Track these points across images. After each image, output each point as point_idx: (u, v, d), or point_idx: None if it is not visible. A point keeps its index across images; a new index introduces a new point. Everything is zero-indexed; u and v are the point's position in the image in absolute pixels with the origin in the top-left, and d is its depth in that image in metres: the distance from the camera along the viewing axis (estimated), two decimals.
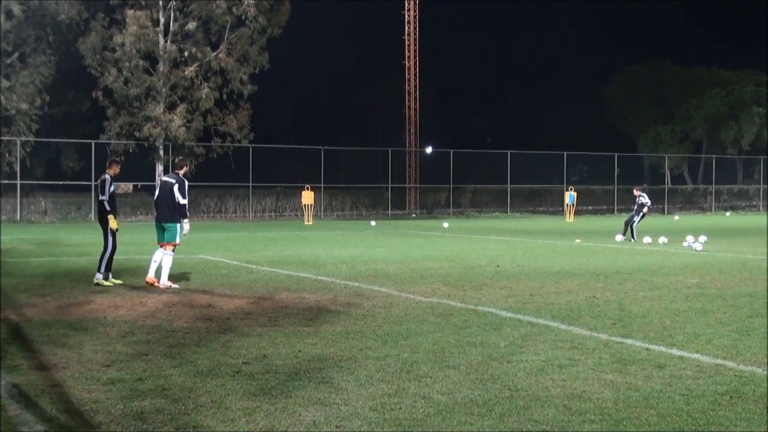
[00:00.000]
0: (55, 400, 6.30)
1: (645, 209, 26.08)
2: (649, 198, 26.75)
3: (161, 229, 13.55)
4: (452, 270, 16.13)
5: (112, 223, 13.81)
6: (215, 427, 5.67)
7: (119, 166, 14.29)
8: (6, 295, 12.09)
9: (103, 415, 5.90)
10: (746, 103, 70.32)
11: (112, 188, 13.87)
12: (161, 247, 13.51)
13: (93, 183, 14.12)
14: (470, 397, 6.41)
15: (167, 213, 13.38)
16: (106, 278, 13.69)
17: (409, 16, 54.62)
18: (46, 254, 20.10)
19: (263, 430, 5.63)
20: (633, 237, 25.37)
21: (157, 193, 13.76)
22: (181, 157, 14.52)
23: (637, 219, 25.91)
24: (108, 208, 13.79)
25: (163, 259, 13.37)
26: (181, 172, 13.67)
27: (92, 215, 42.61)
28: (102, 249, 13.87)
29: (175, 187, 13.28)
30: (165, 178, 13.81)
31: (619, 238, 25.54)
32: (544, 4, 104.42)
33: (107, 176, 13.87)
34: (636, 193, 26.97)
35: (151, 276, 13.35)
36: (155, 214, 13.83)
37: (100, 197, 13.79)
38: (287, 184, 49.03)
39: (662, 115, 75.32)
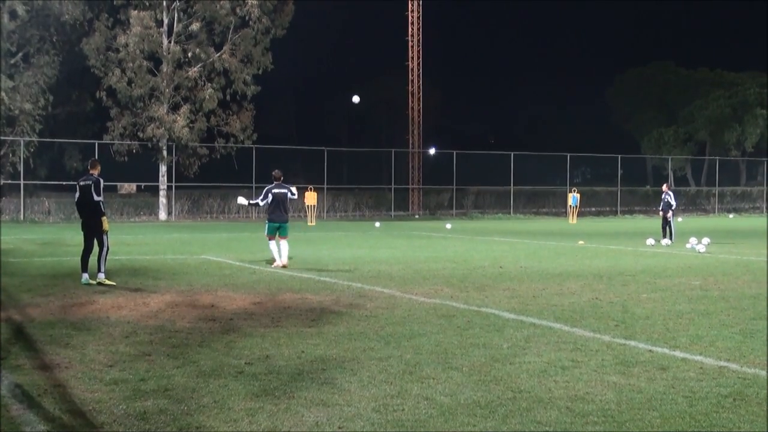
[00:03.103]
0: (57, 400, 6.31)
1: (671, 210, 25.93)
2: (666, 199, 26.37)
3: (279, 228, 17.06)
4: (455, 271, 16.13)
5: (106, 224, 13.97)
6: (218, 427, 5.67)
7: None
8: (9, 295, 12.11)
9: (105, 416, 5.90)
10: (750, 105, 70.26)
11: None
12: (273, 239, 17.04)
13: (79, 183, 14.28)
14: (473, 398, 6.41)
15: (286, 216, 17.24)
16: (106, 276, 13.80)
17: (412, 16, 54.61)
18: (50, 254, 20.12)
19: (266, 430, 5.62)
20: (671, 237, 25.18)
21: (272, 200, 17.06)
22: (276, 170, 16.68)
23: (671, 219, 25.73)
24: (103, 209, 13.95)
25: (287, 248, 16.98)
26: (293, 188, 17.47)
27: None
28: (99, 249, 13.92)
29: (288, 195, 17.26)
30: (279, 190, 17.18)
31: (666, 242, 24.87)
32: (548, 5, 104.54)
33: (99, 178, 13.97)
34: (664, 188, 26.90)
35: (285, 260, 16.80)
36: (275, 216, 17.11)
37: (96, 198, 13.77)
38: (290, 184, 49.02)
39: (666, 116, 75.31)
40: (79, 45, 42.54)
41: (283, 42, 47.33)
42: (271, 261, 17.25)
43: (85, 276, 13.77)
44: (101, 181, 13.96)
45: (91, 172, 14.10)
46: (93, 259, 13.97)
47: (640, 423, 5.83)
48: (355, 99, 35.81)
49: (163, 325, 9.58)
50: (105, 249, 13.93)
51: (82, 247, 14.16)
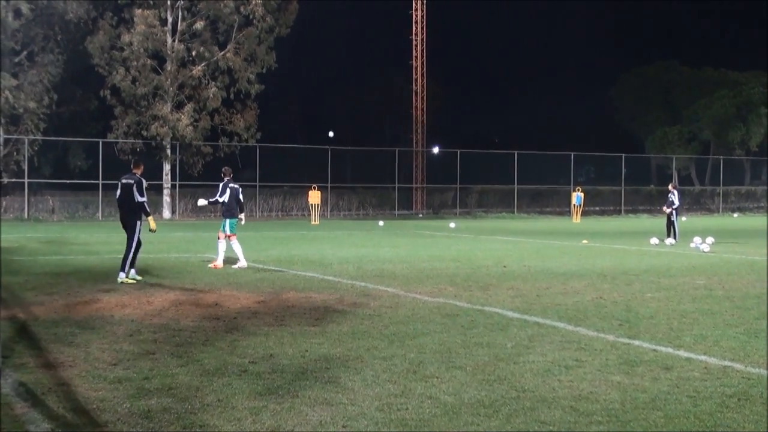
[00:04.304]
0: (61, 398, 6.31)
1: (673, 209, 25.85)
2: (669, 198, 26.34)
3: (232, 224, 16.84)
4: (459, 270, 16.12)
5: (153, 224, 14.34)
6: (222, 426, 5.67)
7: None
8: (13, 293, 12.13)
9: (109, 414, 5.90)
10: (754, 104, 70.11)
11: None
12: (225, 237, 16.63)
13: (121, 181, 14.48)
14: (477, 397, 6.40)
15: (239, 212, 17.01)
16: (128, 275, 13.98)
17: (416, 15, 54.59)
18: (54, 253, 20.15)
19: (270, 429, 5.62)
20: (675, 237, 25.19)
21: (228, 196, 16.75)
22: (226, 167, 16.49)
23: (674, 219, 25.74)
24: (147, 210, 14.25)
25: (237, 246, 16.51)
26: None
27: (99, 214, 42.73)
28: (125, 248, 14.09)
29: (240, 190, 17.06)
30: (233, 185, 16.95)
31: (669, 241, 24.88)
32: (553, 4, 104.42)
33: (142, 178, 14.22)
34: (670, 188, 26.89)
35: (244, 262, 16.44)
36: (235, 212, 16.89)
37: (139, 199, 14.00)
38: (294, 183, 49.04)
39: (670, 115, 75.16)
40: (83, 44, 42.60)
41: (287, 41, 47.33)
42: (235, 261, 16.68)
43: (132, 272, 14.04)
44: (143, 181, 14.21)
45: (134, 171, 14.33)
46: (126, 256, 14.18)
47: (644, 422, 5.82)
48: (330, 134, 36.88)
49: (167, 324, 9.58)
50: (131, 250, 14.03)
51: (125, 246, 14.27)
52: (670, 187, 27.19)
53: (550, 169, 58.29)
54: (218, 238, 16.91)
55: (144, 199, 14.07)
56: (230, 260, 16.91)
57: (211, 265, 16.44)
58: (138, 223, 14.11)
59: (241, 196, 17.06)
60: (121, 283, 13.64)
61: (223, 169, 17.48)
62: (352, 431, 5.60)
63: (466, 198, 53.89)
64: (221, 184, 17.06)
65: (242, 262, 16.40)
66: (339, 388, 6.65)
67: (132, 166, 14.59)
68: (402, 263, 17.60)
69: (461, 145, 56.58)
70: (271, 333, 9.03)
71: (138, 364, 7.49)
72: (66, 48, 42.95)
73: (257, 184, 46.85)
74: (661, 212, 27.05)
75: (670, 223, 25.73)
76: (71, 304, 11.13)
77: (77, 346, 8.26)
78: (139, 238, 14.15)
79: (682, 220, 45.36)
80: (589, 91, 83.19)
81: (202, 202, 18.09)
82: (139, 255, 14.49)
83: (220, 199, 16.85)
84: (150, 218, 14.25)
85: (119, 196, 14.25)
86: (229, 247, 16.73)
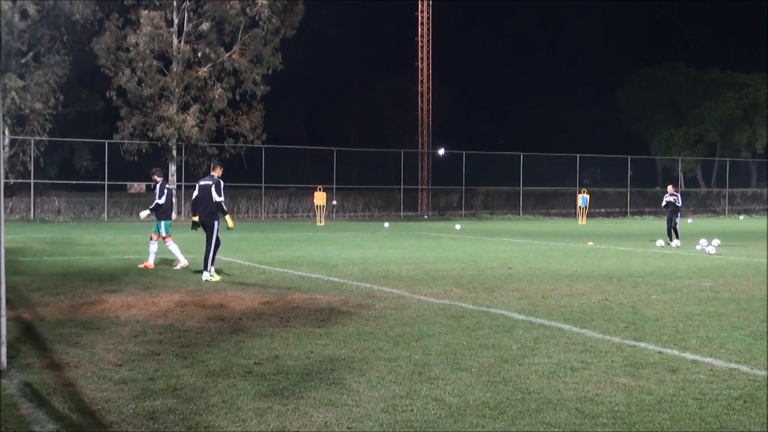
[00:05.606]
0: (67, 399, 6.32)
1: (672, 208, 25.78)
2: (670, 199, 26.24)
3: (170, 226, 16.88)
4: (464, 272, 16.11)
5: (231, 222, 14.88)
6: (226, 427, 5.67)
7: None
8: (19, 294, 12.14)
9: (114, 415, 5.90)
10: (760, 106, 70.00)
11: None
12: (158, 239, 16.75)
13: (199, 183, 14.91)
14: (482, 399, 6.40)
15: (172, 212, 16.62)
16: (211, 273, 14.38)
17: (422, 17, 54.56)
18: (59, 253, 20.18)
19: (274, 430, 5.62)
20: (676, 238, 25.15)
21: (166, 197, 16.69)
22: (158, 168, 16.34)
23: (677, 220, 25.69)
24: (225, 209, 14.71)
25: (174, 247, 16.64)
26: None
27: (105, 215, 42.84)
28: (206, 247, 14.50)
29: (174, 192, 16.19)
30: (169, 186, 16.85)
31: (676, 243, 24.83)
32: (558, 6, 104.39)
33: (220, 179, 14.74)
34: (670, 190, 26.68)
35: (151, 262, 16.48)
36: (167, 213, 16.86)
37: (217, 198, 14.48)
38: (299, 185, 49.08)
39: (676, 117, 75.10)
40: (89, 45, 42.67)
41: (292, 42, 47.39)
42: (157, 262, 16.90)
43: (212, 270, 14.40)
44: (221, 182, 14.75)
45: (212, 173, 14.91)
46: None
47: (649, 425, 5.80)
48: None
49: (172, 325, 9.59)
50: (213, 247, 14.45)
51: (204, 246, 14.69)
52: (671, 189, 26.74)
53: (555, 171, 58.25)
54: (150, 240, 16.78)
55: (222, 198, 14.57)
56: (168, 261, 17.33)
57: (141, 266, 16.55)
58: (216, 222, 14.57)
59: (174, 198, 17.17)
60: (206, 281, 13.98)
61: (156, 170, 17.32)
62: None
63: (471, 199, 53.85)
64: (158, 186, 16.89)
65: (183, 262, 16.40)
66: (344, 390, 6.64)
67: (211, 168, 15.20)
68: (407, 265, 17.59)
69: (467, 147, 56.59)
70: (276, 334, 9.03)
71: (143, 364, 7.49)
72: (72, 49, 43.02)
73: (262, 185, 46.88)
74: (663, 214, 26.89)
75: (673, 225, 25.63)
76: (76, 305, 11.14)
77: (82, 347, 8.27)
78: (218, 236, 14.58)
79: (687, 222, 45.31)
80: (595, 93, 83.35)
81: (144, 213, 17.84)
82: (218, 256, 14.97)
83: (162, 202, 16.72)
84: (228, 216, 14.74)
85: (196, 197, 14.83)
86: (164, 249, 16.88)
